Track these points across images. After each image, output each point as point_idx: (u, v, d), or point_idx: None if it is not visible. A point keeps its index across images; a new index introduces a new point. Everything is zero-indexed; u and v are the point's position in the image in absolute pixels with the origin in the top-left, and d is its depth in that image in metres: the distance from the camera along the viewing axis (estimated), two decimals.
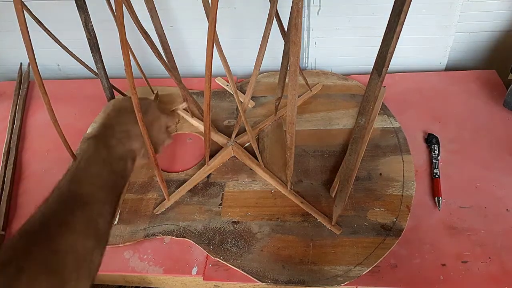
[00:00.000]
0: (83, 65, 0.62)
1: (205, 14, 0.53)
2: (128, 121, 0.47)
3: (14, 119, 0.85)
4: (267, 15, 0.53)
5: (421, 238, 0.59)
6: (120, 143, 0.45)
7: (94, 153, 0.43)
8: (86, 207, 0.37)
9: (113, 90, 0.62)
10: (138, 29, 0.55)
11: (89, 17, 0.53)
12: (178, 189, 0.68)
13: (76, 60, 0.63)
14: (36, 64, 0.43)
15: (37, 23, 0.53)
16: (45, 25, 0.57)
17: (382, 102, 0.79)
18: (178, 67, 0.70)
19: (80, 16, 0.52)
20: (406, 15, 0.32)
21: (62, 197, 0.38)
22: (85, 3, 0.51)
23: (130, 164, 0.46)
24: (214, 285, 0.59)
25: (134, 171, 0.47)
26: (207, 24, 0.44)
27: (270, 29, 0.54)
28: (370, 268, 0.55)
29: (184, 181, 0.69)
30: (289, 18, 0.60)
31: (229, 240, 0.61)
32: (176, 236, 0.62)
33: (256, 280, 0.56)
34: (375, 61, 0.37)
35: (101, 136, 0.45)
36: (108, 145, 0.44)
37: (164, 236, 0.63)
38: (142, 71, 0.75)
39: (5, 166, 0.75)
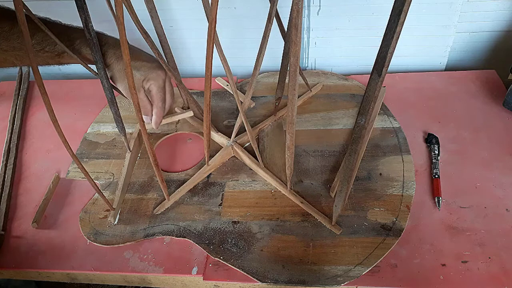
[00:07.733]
0: (83, 65, 0.62)
1: (205, 14, 0.53)
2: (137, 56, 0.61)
3: (14, 119, 0.85)
4: (267, 15, 0.53)
5: (421, 238, 0.59)
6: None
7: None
8: None
9: (113, 90, 0.62)
10: (138, 29, 0.55)
11: (89, 17, 0.52)
12: (178, 189, 0.68)
13: (76, 60, 0.62)
14: (36, 64, 0.43)
15: (37, 23, 0.53)
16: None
17: (382, 102, 0.79)
18: (178, 67, 0.70)
19: (80, 16, 0.52)
20: (406, 15, 0.32)
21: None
22: (85, 3, 0.51)
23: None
24: (214, 285, 0.59)
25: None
26: (207, 24, 0.44)
27: (270, 29, 0.54)
28: (370, 268, 0.56)
29: (184, 181, 0.69)
30: (289, 18, 0.60)
31: (229, 240, 0.61)
32: (176, 236, 0.62)
33: (256, 280, 0.56)
34: (375, 61, 0.37)
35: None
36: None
37: (164, 236, 0.63)
38: None
39: (5, 166, 0.75)
